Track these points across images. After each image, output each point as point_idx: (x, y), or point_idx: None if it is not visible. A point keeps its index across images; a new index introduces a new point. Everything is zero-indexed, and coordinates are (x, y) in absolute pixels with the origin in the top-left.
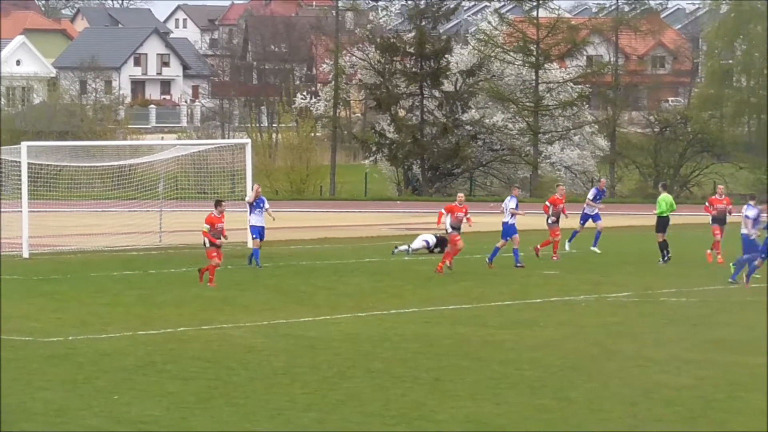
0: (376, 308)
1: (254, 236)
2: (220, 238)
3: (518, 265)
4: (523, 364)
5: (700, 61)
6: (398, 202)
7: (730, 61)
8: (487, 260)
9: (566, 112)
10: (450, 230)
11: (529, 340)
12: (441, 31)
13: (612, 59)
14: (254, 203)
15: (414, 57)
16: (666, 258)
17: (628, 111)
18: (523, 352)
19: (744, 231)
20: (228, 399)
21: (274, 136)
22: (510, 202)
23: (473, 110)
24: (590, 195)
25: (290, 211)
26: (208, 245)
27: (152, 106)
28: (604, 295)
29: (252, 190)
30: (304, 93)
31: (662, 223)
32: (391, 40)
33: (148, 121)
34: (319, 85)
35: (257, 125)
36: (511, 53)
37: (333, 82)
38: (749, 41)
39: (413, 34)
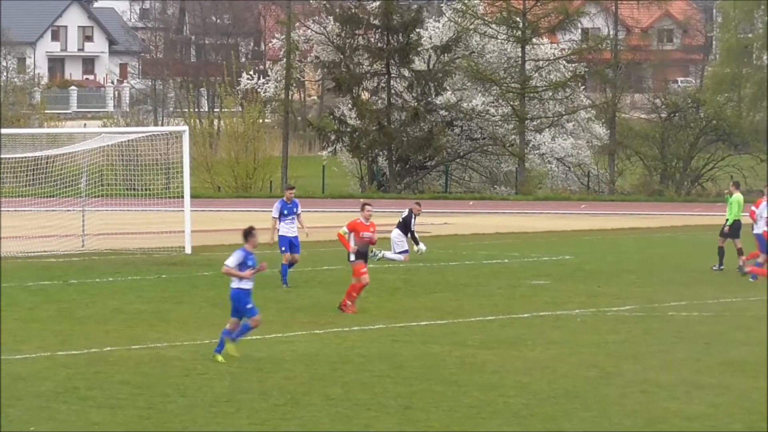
0: (336, 324)
1: (282, 249)
2: (354, 245)
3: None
4: (507, 389)
5: (714, 35)
6: (361, 200)
7: (750, 35)
8: (750, 279)
9: (558, 95)
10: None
11: (515, 361)
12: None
13: (611, 33)
14: (285, 208)
15: (379, 30)
16: (719, 266)
17: (629, 93)
18: (507, 375)
19: None
20: (162, 430)
21: (215, 122)
22: (764, 211)
23: (449, 92)
24: None
25: (234, 210)
26: (353, 258)
27: (73, 87)
28: (602, 309)
29: (285, 190)
30: (251, 72)
31: (738, 227)
32: (353, 11)
33: (68, 106)
34: (268, 63)
35: (196, 110)
36: (494, 26)
37: (284, 60)
38: None
39: (378, 3)
